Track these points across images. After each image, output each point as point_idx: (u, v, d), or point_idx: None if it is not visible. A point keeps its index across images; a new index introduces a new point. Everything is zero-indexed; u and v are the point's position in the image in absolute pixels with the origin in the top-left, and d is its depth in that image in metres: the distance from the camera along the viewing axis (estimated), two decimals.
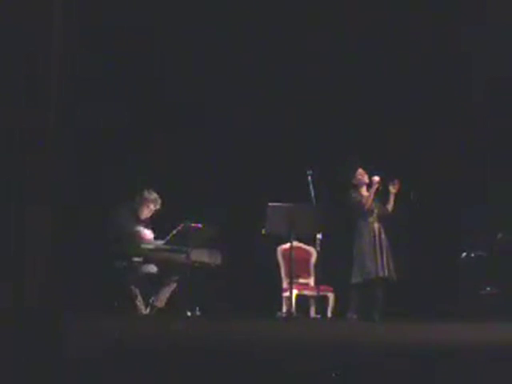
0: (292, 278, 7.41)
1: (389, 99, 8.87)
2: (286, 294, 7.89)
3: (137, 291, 7.14)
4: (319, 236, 7.90)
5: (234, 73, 8.75)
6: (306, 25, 8.71)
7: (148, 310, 7.19)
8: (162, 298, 7.25)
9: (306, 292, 8.24)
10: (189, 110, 8.74)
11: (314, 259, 8.52)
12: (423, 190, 8.32)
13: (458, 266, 8.66)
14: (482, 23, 8.61)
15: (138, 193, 7.44)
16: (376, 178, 7.82)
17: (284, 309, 8.02)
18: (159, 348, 3.51)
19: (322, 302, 8.19)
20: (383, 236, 7.79)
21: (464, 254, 8.68)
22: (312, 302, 8.25)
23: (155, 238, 7.41)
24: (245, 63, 8.81)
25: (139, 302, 7.14)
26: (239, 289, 8.26)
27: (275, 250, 8.42)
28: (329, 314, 8.19)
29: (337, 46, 8.84)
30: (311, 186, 7.47)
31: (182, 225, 7.16)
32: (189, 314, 7.17)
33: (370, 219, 7.82)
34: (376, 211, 7.83)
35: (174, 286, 7.31)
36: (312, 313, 8.23)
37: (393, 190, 7.82)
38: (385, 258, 7.69)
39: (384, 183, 7.81)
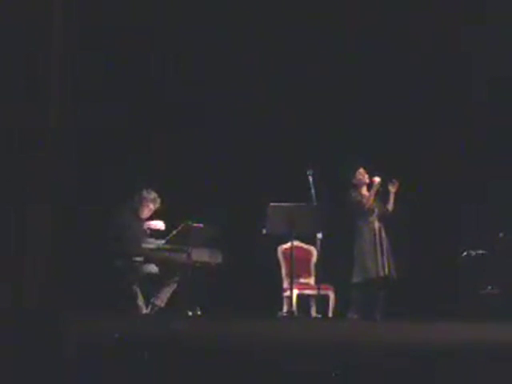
0: (293, 277, 7.42)
1: (389, 99, 8.85)
2: (287, 293, 7.89)
3: (137, 290, 7.15)
4: (320, 236, 7.89)
5: (234, 73, 8.74)
6: (306, 25, 8.70)
7: (149, 310, 7.20)
8: (162, 298, 7.26)
9: (306, 292, 8.24)
10: (189, 109, 8.73)
11: (314, 259, 8.52)
12: (423, 189, 8.33)
13: (459, 265, 8.65)
14: (482, 23, 8.61)
15: (137, 193, 7.44)
16: (377, 179, 7.82)
17: (285, 308, 8.01)
18: (159, 348, 3.51)
19: (322, 301, 8.18)
20: (384, 235, 7.80)
21: (464, 253, 8.68)
22: (313, 301, 8.25)
23: (156, 238, 7.42)
24: (245, 63, 8.81)
25: (140, 302, 7.14)
26: (240, 289, 8.26)
27: (276, 250, 8.42)
28: (330, 314, 8.19)
29: (337, 46, 8.84)
30: (312, 186, 7.47)
31: (182, 225, 7.16)
32: (190, 313, 7.17)
33: (371, 219, 7.82)
34: (376, 211, 7.84)
35: (174, 286, 7.31)
36: (313, 312, 8.23)
37: (392, 189, 7.83)
38: (385, 258, 7.69)
39: (384, 183, 7.82)
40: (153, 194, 7.44)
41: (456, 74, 8.94)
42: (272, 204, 7.08)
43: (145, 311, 7.15)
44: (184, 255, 7.23)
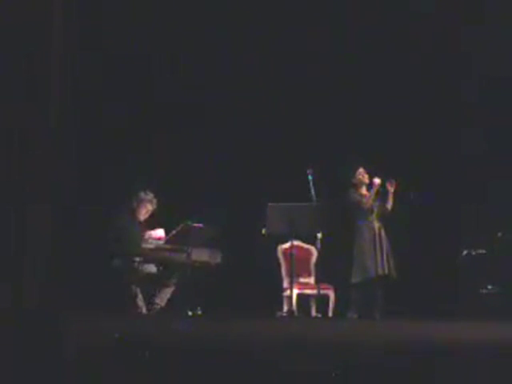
0: (292, 277, 7.42)
1: (389, 99, 8.85)
2: (287, 293, 7.89)
3: (137, 291, 7.15)
4: (319, 235, 7.89)
5: (234, 73, 8.74)
6: (306, 24, 8.71)
7: (149, 310, 7.20)
8: (162, 298, 7.26)
9: (306, 291, 8.24)
10: (189, 110, 8.73)
11: (314, 258, 8.53)
12: (423, 189, 8.32)
13: (459, 264, 8.65)
14: (482, 23, 8.61)
15: (134, 194, 7.44)
16: (377, 180, 7.81)
17: (285, 308, 8.02)
18: (159, 347, 3.51)
19: (322, 301, 8.19)
20: (383, 235, 7.80)
21: (464, 253, 8.68)
22: (313, 301, 8.25)
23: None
24: (245, 63, 8.81)
25: (140, 302, 7.14)
26: (239, 288, 8.26)
27: (275, 250, 8.42)
28: (329, 314, 8.19)
29: (337, 46, 8.84)
30: (311, 186, 7.47)
31: (182, 225, 7.17)
32: (190, 313, 7.17)
33: (370, 218, 7.83)
34: (376, 210, 7.84)
35: (174, 286, 7.31)
36: (313, 312, 8.23)
37: (391, 188, 7.83)
38: (385, 257, 7.69)
39: (383, 183, 7.82)
40: (150, 195, 7.44)
41: (456, 74, 8.95)
42: (271, 204, 7.09)
43: (145, 311, 7.15)
44: (184, 255, 7.23)
